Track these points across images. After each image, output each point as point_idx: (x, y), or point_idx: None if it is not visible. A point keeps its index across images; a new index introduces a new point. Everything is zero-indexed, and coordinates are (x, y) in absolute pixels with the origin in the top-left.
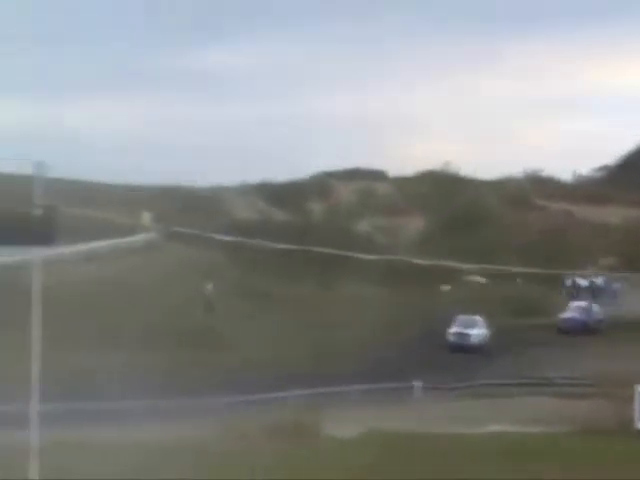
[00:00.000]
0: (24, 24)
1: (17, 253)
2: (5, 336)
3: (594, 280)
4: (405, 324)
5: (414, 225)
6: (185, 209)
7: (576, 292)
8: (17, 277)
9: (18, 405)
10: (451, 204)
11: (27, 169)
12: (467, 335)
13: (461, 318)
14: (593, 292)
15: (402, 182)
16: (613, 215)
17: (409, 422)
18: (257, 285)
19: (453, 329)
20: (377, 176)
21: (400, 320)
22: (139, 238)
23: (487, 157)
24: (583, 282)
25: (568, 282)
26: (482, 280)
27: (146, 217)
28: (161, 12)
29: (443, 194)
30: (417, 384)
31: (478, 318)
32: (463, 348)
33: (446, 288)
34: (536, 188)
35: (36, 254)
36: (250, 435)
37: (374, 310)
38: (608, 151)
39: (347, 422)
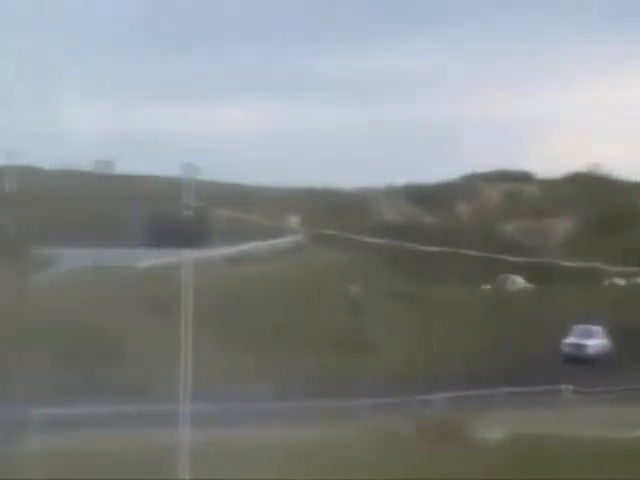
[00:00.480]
0: (184, 24)
1: (168, 255)
2: (156, 337)
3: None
4: (552, 326)
5: (561, 227)
6: (332, 211)
7: None
8: (167, 279)
9: (169, 405)
10: (600, 206)
11: (177, 171)
12: (583, 346)
13: (578, 328)
14: None
15: (549, 184)
16: None
17: (556, 425)
18: (403, 287)
19: (568, 339)
20: (524, 178)
21: (547, 322)
22: (286, 240)
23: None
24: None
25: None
26: (522, 282)
27: (293, 219)
28: (313, 16)
29: (592, 196)
30: (566, 387)
31: (596, 328)
32: (578, 359)
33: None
34: None
35: (186, 256)
36: (397, 436)
37: (520, 312)
38: None
39: (493, 424)
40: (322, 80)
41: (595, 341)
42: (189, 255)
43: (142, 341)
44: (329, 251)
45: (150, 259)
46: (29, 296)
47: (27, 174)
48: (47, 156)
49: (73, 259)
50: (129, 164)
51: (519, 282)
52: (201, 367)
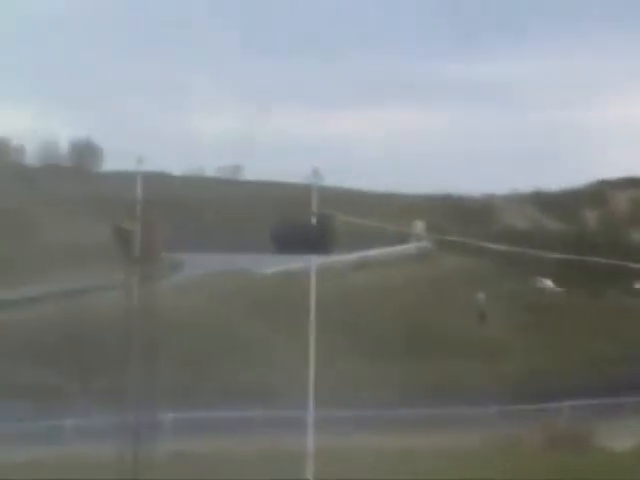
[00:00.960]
0: (311, 30)
1: (294, 261)
2: (282, 342)
3: None
4: None
5: None
6: (456, 218)
7: None
8: (294, 285)
9: (295, 411)
10: None
11: (303, 178)
12: None
13: None
14: None
15: None
16: None
17: None
18: (527, 294)
19: None
20: None
21: None
22: (411, 246)
23: None
24: None
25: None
26: (551, 285)
27: (418, 225)
28: (431, 24)
29: None
30: None
31: None
32: None
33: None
34: None
35: (312, 262)
36: (523, 444)
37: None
38: None
39: (621, 434)
40: (446, 85)
41: None
42: (315, 261)
43: (268, 347)
44: (454, 257)
45: (276, 265)
46: (157, 301)
47: (156, 180)
48: (176, 162)
49: (200, 264)
50: (256, 170)
51: (547, 284)
52: (326, 373)
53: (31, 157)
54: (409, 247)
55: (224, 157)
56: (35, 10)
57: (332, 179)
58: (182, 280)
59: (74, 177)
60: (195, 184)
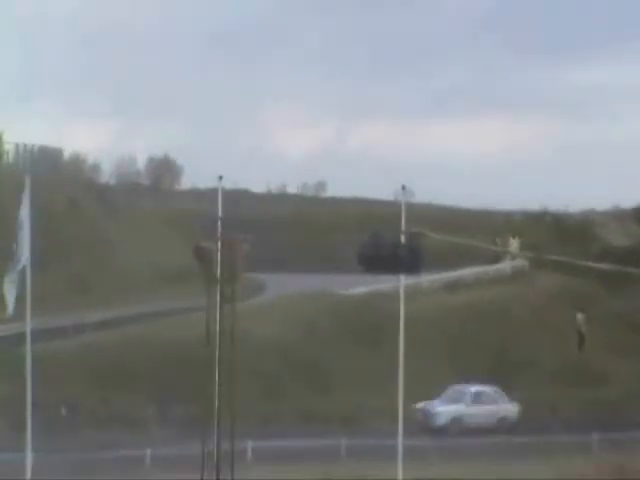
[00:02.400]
0: (386, 47)
1: (382, 281)
2: (368, 366)
3: None
4: None
5: None
6: (554, 235)
7: None
8: (381, 306)
9: (383, 439)
10: None
11: (392, 194)
12: (429, 413)
13: (454, 388)
14: None
15: None
16: None
17: None
18: (629, 315)
19: (423, 403)
20: None
21: None
22: (506, 265)
23: None
24: None
25: None
26: None
27: (514, 244)
28: (519, 34)
29: None
30: None
31: (474, 390)
32: (425, 429)
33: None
34: None
35: (401, 282)
36: (624, 472)
37: None
38: None
39: None
40: (540, 98)
41: (454, 407)
42: (404, 281)
43: (353, 371)
44: (551, 276)
45: (363, 285)
46: (238, 323)
47: (238, 197)
48: (259, 179)
49: (282, 285)
50: (341, 186)
51: None
52: (416, 399)
53: (108, 175)
54: (504, 266)
55: (308, 173)
56: (111, 27)
57: (422, 195)
58: (264, 302)
59: (153, 195)
60: (277, 201)
